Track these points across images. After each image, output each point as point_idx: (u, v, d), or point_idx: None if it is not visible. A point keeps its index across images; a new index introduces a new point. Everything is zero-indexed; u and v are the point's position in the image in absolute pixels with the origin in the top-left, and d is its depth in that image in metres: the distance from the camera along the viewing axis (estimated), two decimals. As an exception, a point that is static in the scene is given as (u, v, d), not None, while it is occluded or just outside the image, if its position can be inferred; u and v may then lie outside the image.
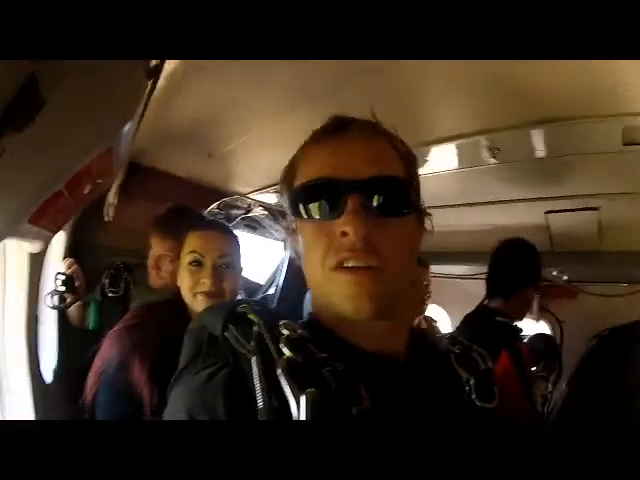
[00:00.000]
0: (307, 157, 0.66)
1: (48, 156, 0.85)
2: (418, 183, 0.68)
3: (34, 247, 1.37)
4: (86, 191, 1.19)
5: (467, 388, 0.69)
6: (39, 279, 1.56)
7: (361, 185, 0.58)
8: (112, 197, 1.82)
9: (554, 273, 2.41)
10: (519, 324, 1.79)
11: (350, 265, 0.57)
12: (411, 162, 0.67)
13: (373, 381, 0.55)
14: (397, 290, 0.61)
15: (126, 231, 1.96)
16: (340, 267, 0.57)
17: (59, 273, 1.70)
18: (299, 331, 0.56)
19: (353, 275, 0.57)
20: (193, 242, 1.23)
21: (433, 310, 2.94)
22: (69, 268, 1.74)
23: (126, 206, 1.95)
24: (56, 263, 1.77)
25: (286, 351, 0.52)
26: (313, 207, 0.61)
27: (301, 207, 0.62)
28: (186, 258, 1.22)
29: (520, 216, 2.04)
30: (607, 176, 1.56)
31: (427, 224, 0.69)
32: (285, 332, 0.55)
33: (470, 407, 0.68)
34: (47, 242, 1.42)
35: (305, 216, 0.62)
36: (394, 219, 0.60)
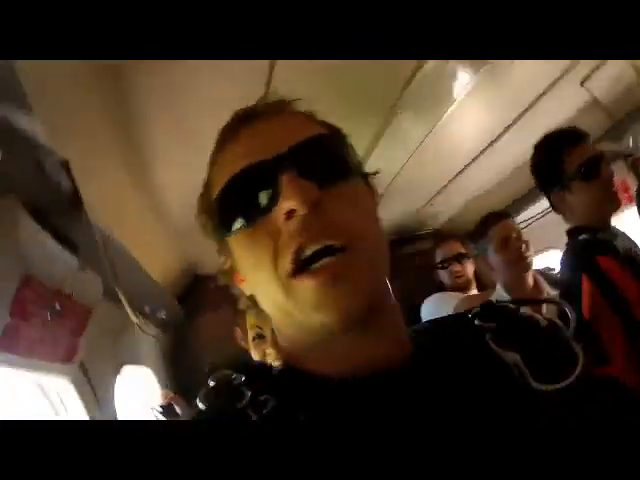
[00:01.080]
0: (218, 166, 0.54)
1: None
2: (348, 141, 0.57)
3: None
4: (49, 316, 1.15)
5: (516, 371, 0.49)
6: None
7: (286, 157, 0.47)
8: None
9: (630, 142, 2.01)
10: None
11: (309, 255, 0.45)
12: (333, 126, 0.57)
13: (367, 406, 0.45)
14: (377, 275, 0.49)
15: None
16: (299, 270, 0.45)
17: (156, 407, 1.74)
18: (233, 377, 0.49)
19: (319, 276, 0.44)
20: (251, 319, 1.28)
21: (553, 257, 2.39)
22: (165, 398, 1.77)
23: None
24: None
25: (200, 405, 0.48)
26: (242, 208, 0.49)
27: (227, 217, 0.50)
28: (250, 334, 1.30)
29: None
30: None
31: (375, 187, 0.58)
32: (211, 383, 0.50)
33: (527, 395, 0.48)
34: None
35: (236, 226, 0.50)
36: (340, 184, 0.49)
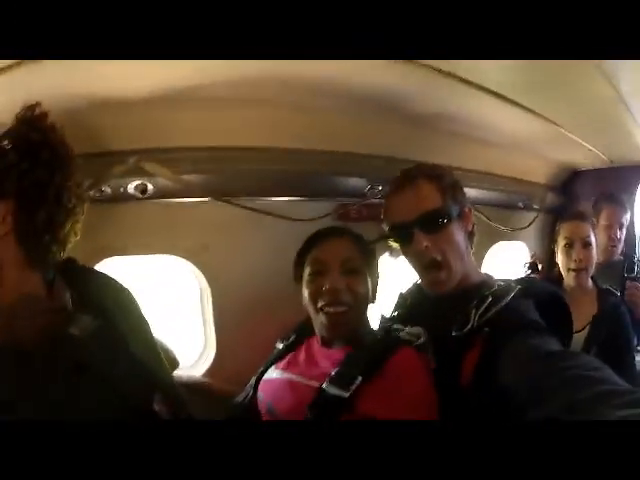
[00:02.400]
0: (388, 209, 1.05)
1: None
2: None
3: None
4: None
5: None
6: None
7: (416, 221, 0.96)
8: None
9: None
10: None
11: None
12: (446, 193, 0.98)
13: None
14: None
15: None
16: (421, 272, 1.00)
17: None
18: None
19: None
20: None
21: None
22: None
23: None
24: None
25: None
26: (396, 236, 1.03)
27: (391, 237, 1.04)
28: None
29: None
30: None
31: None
32: None
33: None
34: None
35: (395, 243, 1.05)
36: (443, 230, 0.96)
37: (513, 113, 1.34)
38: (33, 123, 0.68)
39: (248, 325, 1.31)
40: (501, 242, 2.00)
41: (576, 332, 1.24)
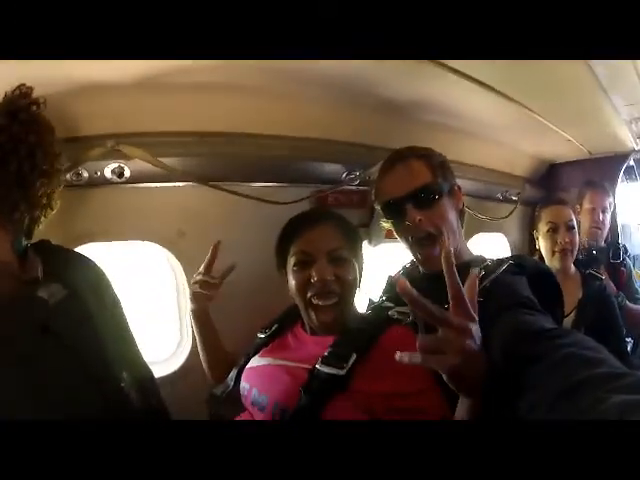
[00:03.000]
0: (380, 187, 1.06)
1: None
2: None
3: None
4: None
5: None
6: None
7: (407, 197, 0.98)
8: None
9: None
10: None
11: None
12: (436, 169, 1.01)
13: None
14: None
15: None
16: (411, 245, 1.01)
17: None
18: None
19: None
20: None
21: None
22: None
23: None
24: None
25: None
26: (390, 215, 1.04)
27: (385, 215, 1.06)
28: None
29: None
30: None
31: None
32: None
33: None
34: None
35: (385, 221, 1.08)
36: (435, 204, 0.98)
37: (491, 101, 1.34)
38: (22, 93, 0.75)
39: (227, 315, 1.26)
40: (481, 233, 2.02)
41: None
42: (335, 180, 1.39)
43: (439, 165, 1.01)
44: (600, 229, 1.98)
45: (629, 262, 2.03)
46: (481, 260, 0.97)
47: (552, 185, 2.32)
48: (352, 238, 1.02)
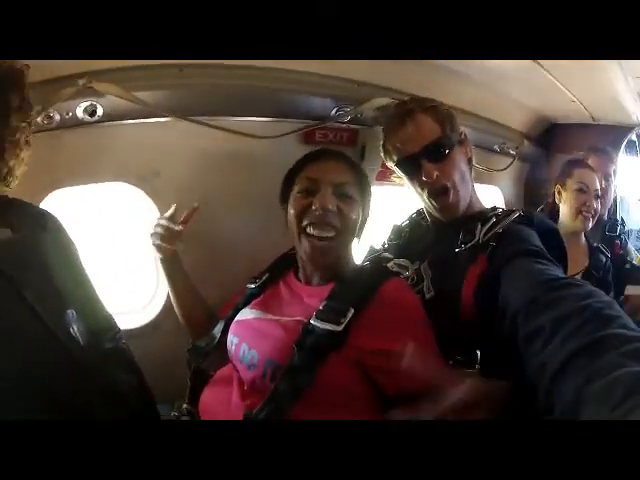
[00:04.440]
0: (390, 143, 1.05)
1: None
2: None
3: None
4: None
5: None
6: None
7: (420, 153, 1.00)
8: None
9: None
10: None
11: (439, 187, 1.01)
12: (445, 121, 1.01)
13: None
14: None
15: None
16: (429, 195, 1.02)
17: None
18: None
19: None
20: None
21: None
22: None
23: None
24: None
25: None
26: (405, 171, 1.05)
27: (401, 170, 1.06)
28: None
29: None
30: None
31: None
32: None
33: None
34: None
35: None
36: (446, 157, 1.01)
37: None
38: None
39: (207, 261, 1.25)
40: (476, 184, 1.98)
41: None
42: (324, 116, 1.31)
43: (447, 117, 1.01)
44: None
45: (624, 237, 2.00)
46: (493, 209, 1.01)
47: (551, 145, 2.25)
48: (363, 182, 1.00)
